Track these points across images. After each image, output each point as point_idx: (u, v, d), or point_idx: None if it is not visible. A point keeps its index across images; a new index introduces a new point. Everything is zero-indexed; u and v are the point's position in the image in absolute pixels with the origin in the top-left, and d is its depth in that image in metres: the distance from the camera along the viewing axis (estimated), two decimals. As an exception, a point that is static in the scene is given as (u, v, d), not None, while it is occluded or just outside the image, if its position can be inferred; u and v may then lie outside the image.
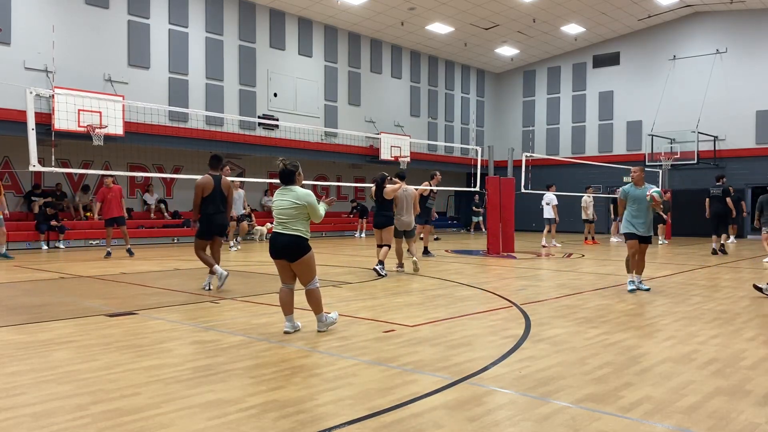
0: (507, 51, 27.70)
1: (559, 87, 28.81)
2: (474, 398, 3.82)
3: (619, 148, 26.79)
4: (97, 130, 15.56)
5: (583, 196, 19.93)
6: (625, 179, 25.47)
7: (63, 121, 14.83)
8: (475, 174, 17.31)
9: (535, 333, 5.72)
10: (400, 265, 11.15)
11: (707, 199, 16.15)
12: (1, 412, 3.51)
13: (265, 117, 20.82)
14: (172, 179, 20.19)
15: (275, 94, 21.69)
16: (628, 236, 8.72)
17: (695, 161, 23.14)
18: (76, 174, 18.41)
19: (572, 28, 25.27)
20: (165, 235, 18.80)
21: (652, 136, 24.35)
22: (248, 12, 20.98)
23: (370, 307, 7.24)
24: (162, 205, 19.92)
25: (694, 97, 24.39)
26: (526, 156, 17.03)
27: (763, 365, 4.64)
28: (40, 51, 16.24)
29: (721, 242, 15.56)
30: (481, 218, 25.31)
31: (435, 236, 15.13)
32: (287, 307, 5.72)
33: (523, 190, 16.83)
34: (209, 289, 8.39)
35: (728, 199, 15.28)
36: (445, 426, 3.34)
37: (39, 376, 4.23)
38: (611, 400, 3.79)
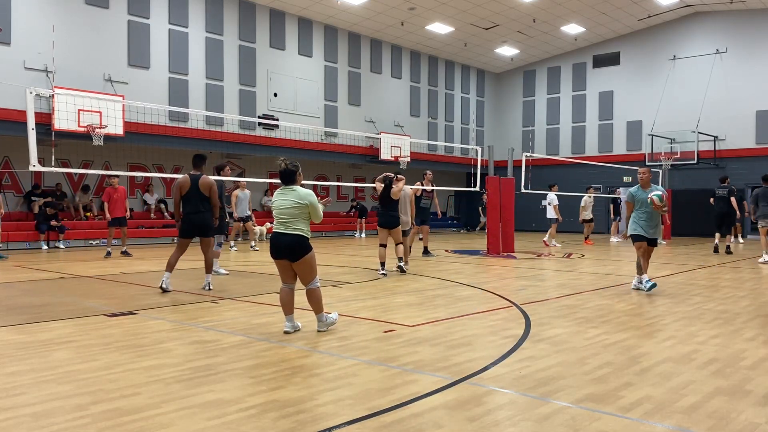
0: (507, 51, 27.70)
1: (559, 87, 28.81)
2: (474, 398, 3.82)
3: (619, 148, 26.79)
4: (97, 130, 15.56)
5: (584, 196, 19.91)
6: (625, 179, 25.55)
7: (63, 121, 14.83)
8: (475, 174, 17.30)
9: (535, 333, 5.72)
10: (382, 264, 11.15)
11: (712, 199, 16.18)
12: (1, 412, 3.51)
13: (265, 117, 20.81)
14: (172, 179, 20.16)
15: (275, 94, 21.69)
16: (636, 238, 8.58)
17: (695, 161, 23.14)
18: (76, 174, 18.41)
19: (572, 28, 25.26)
20: (165, 235, 18.80)
21: (652, 136, 24.35)
22: (248, 12, 20.98)
23: (370, 307, 7.24)
24: (162, 205, 19.92)
25: (694, 97, 24.38)
26: (526, 156, 17.02)
27: (763, 365, 4.64)
28: (40, 51, 16.24)
29: (727, 243, 15.74)
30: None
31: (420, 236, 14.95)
32: (287, 307, 5.72)
33: (523, 190, 16.83)
34: (209, 289, 8.39)
35: (733, 200, 15.41)
36: (445, 426, 3.34)
37: (39, 376, 4.23)
38: (611, 400, 3.79)
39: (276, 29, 21.74)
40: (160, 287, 8.17)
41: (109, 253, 13.85)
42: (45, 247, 16.21)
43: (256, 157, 20.94)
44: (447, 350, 5.02)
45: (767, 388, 4.06)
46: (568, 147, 28.32)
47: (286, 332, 5.64)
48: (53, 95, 14.69)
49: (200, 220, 8.32)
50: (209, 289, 8.38)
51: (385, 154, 23.47)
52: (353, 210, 24.43)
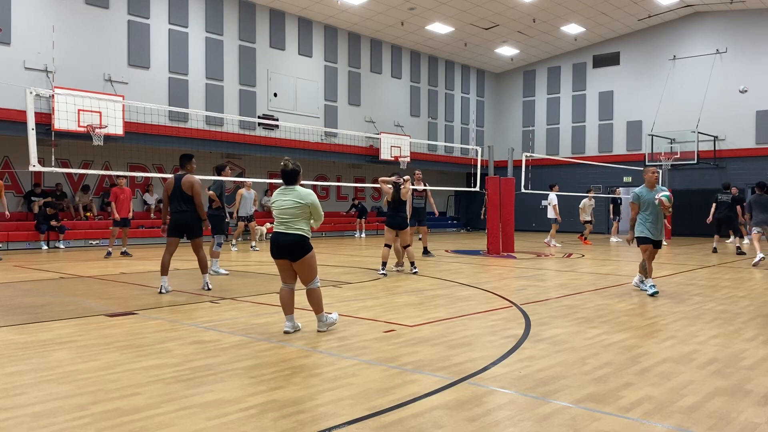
0: (507, 51, 27.70)
1: (559, 87, 28.81)
2: (474, 398, 3.82)
3: (619, 148, 26.79)
4: (97, 130, 15.57)
5: (584, 198, 19.93)
6: (625, 179, 25.54)
7: (63, 121, 14.83)
8: (475, 174, 17.31)
9: (535, 333, 5.72)
10: (400, 264, 11.19)
11: (714, 204, 16.22)
12: (1, 412, 3.51)
13: (265, 117, 20.82)
14: (172, 179, 20.14)
15: (275, 94, 21.69)
16: (642, 241, 8.30)
17: (695, 161, 23.14)
18: (76, 174, 18.41)
19: (572, 28, 25.26)
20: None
21: (652, 136, 24.35)
22: (248, 12, 20.98)
23: (370, 307, 7.24)
24: (162, 205, 19.91)
25: (694, 97, 24.38)
26: (526, 156, 17.03)
27: (763, 365, 4.64)
28: (40, 51, 16.24)
29: (736, 245, 16.15)
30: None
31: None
32: (288, 307, 5.72)
33: (523, 190, 16.83)
34: (208, 289, 8.39)
35: (738, 207, 15.78)
36: (445, 426, 3.34)
37: (39, 376, 4.23)
38: (611, 400, 3.79)
39: (276, 29, 21.74)
40: (160, 293, 8.15)
41: (109, 253, 13.85)
42: (45, 247, 16.21)
43: (256, 157, 20.94)
44: (447, 350, 5.02)
45: (767, 388, 4.06)
46: (568, 147, 28.32)
47: (286, 332, 5.64)
48: (53, 95, 14.69)
49: (182, 219, 8.27)
50: (208, 289, 8.37)
51: (385, 154, 23.47)
52: (353, 209, 24.43)
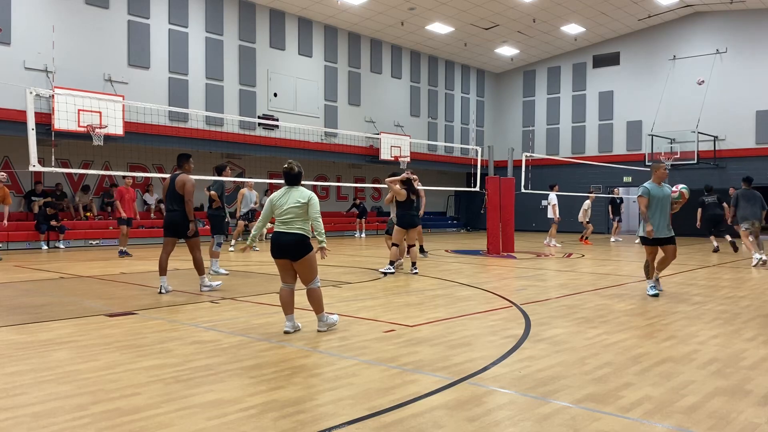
0: (507, 51, 27.70)
1: (559, 87, 28.81)
2: (474, 398, 3.82)
3: (619, 148, 26.79)
4: (97, 130, 15.57)
5: (586, 199, 19.94)
6: (625, 179, 25.54)
7: (63, 121, 14.83)
8: (475, 174, 17.31)
9: (535, 333, 5.72)
10: (391, 263, 11.19)
11: (700, 209, 16.32)
12: (1, 412, 3.51)
13: (265, 117, 20.82)
14: (171, 179, 20.15)
15: (275, 94, 21.69)
16: (644, 241, 8.08)
17: (695, 161, 23.14)
18: (76, 174, 18.41)
19: (572, 28, 25.26)
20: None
21: (652, 136, 24.35)
22: (248, 12, 20.98)
23: (370, 307, 7.24)
24: (162, 205, 19.91)
25: (694, 97, 24.37)
26: (526, 156, 17.03)
27: (763, 365, 4.64)
28: (40, 51, 16.24)
29: (731, 240, 15.91)
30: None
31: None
32: (288, 307, 5.72)
33: (523, 190, 16.84)
34: (210, 289, 8.38)
35: (725, 205, 15.82)
36: (445, 426, 3.34)
37: (39, 376, 4.23)
38: (611, 400, 3.79)
39: (276, 29, 21.74)
40: (160, 293, 8.15)
41: (123, 252, 13.86)
42: (45, 247, 16.21)
43: (256, 157, 20.94)
44: (447, 350, 5.02)
45: (767, 388, 4.05)
46: (568, 147, 28.32)
47: (286, 332, 5.64)
48: (53, 95, 14.69)
49: (171, 218, 8.24)
50: (210, 289, 8.34)
51: (385, 154, 23.48)
52: (354, 209, 24.42)
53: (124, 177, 14.26)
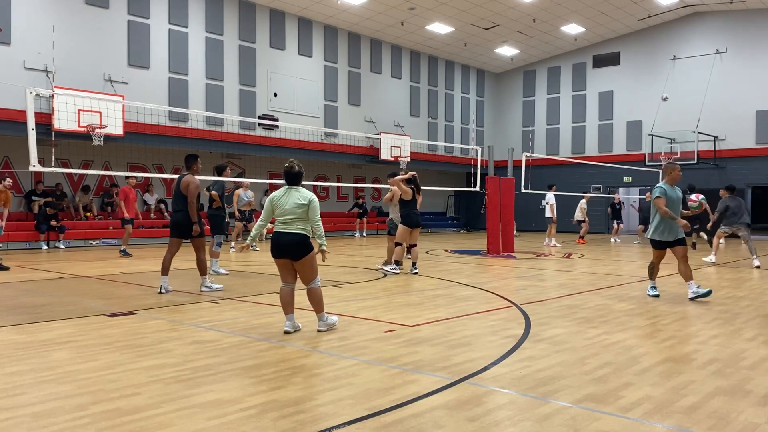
0: (507, 51, 27.70)
1: (559, 87, 28.81)
2: (474, 398, 3.82)
3: (619, 148, 26.79)
4: (97, 130, 15.56)
5: (582, 198, 20.09)
6: (625, 179, 25.54)
7: (63, 121, 14.83)
8: (475, 174, 17.31)
9: (535, 333, 5.72)
10: (397, 263, 11.19)
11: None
12: (1, 412, 3.51)
13: (265, 117, 20.82)
14: (172, 179, 20.14)
15: (275, 94, 21.68)
16: (655, 244, 7.92)
17: (695, 161, 23.14)
18: (76, 174, 18.41)
19: (572, 28, 25.26)
20: (165, 236, 18.76)
21: (652, 136, 24.35)
22: (248, 12, 20.98)
23: (370, 307, 7.24)
24: (162, 205, 19.92)
25: (694, 97, 24.37)
26: (526, 156, 17.03)
27: (763, 365, 4.64)
28: (40, 51, 16.24)
29: (693, 241, 17.55)
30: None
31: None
32: (288, 307, 5.72)
33: (523, 190, 16.84)
34: (211, 289, 8.36)
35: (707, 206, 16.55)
36: (445, 426, 3.34)
37: (39, 376, 4.23)
38: (611, 400, 3.79)
39: (276, 29, 21.74)
40: (160, 293, 8.15)
41: (124, 252, 13.85)
42: (45, 247, 16.21)
43: (256, 158, 20.94)
44: (447, 350, 5.02)
45: (767, 388, 4.06)
46: (568, 147, 28.32)
47: (286, 332, 5.64)
48: (53, 95, 14.69)
49: (176, 219, 8.30)
50: (210, 290, 8.33)
51: (385, 154, 23.47)
52: (355, 208, 24.38)
53: (127, 177, 14.24)
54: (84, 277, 9.99)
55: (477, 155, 17.72)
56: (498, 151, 19.69)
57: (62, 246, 16.46)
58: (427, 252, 15.61)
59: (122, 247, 14.10)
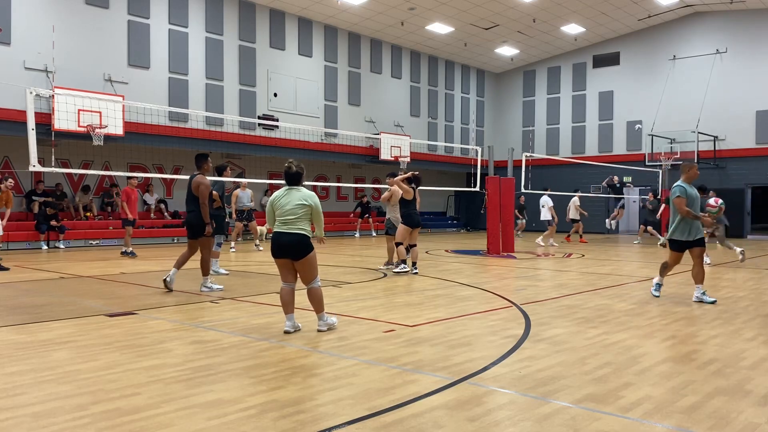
0: (507, 51, 27.70)
1: (559, 87, 28.81)
2: (474, 398, 3.82)
3: (619, 148, 26.79)
4: (97, 130, 15.56)
5: (574, 196, 20.24)
6: (625, 179, 25.53)
7: (63, 121, 14.83)
8: (475, 174, 17.31)
9: (535, 333, 5.72)
10: (390, 263, 11.19)
11: (663, 206, 18.09)
12: (1, 412, 3.51)
13: (265, 117, 20.82)
14: (172, 179, 20.19)
15: (275, 94, 21.68)
16: (674, 245, 7.67)
17: (695, 161, 23.11)
18: (76, 174, 18.41)
19: (572, 28, 25.26)
20: (165, 235, 18.81)
21: (652, 136, 24.35)
22: (248, 12, 20.98)
23: (370, 307, 7.24)
24: (162, 205, 19.92)
25: (694, 97, 24.38)
26: (526, 156, 17.03)
27: (763, 365, 4.64)
28: (40, 51, 16.24)
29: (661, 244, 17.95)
30: (524, 220, 21.67)
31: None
32: (288, 306, 5.72)
33: (523, 190, 16.84)
34: (211, 290, 8.35)
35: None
36: (445, 426, 3.34)
37: (39, 376, 4.23)
38: (611, 400, 3.79)
39: (276, 29, 21.74)
40: (164, 280, 8.20)
41: (132, 252, 13.82)
42: (45, 247, 16.21)
43: (256, 158, 20.94)
44: (447, 350, 5.02)
45: (767, 388, 4.06)
46: (568, 147, 28.32)
47: (286, 332, 5.64)
48: (53, 95, 14.69)
49: (188, 219, 8.36)
50: (210, 291, 8.32)
51: (385, 154, 23.47)
52: (358, 208, 24.34)
53: (128, 178, 14.21)
54: (84, 277, 9.98)
55: (477, 155, 17.72)
56: (498, 151, 19.69)
57: (62, 246, 16.46)
58: (427, 252, 15.62)
59: (129, 249, 14.03)
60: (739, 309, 7.16)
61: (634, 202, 26.28)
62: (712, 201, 8.57)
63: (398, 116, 26.14)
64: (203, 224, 8.23)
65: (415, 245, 10.99)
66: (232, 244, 16.10)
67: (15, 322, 6.12)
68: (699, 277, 7.67)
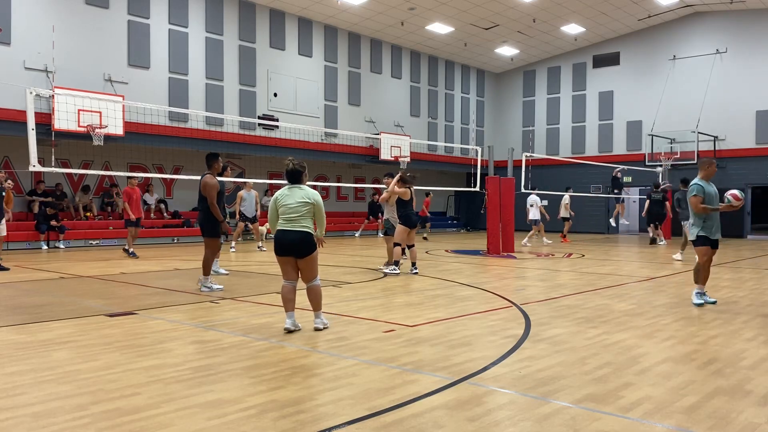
0: (507, 51, 27.70)
1: (559, 87, 28.81)
2: (474, 398, 3.82)
3: (619, 148, 26.79)
4: (97, 130, 15.56)
5: (564, 195, 20.25)
6: (625, 179, 25.51)
7: (63, 121, 14.83)
8: (475, 174, 17.31)
9: (535, 333, 5.72)
10: (396, 263, 11.18)
11: (647, 202, 18.52)
12: (1, 412, 3.51)
13: (265, 117, 20.82)
14: (172, 179, 20.19)
15: (275, 94, 21.68)
16: (701, 241, 7.37)
17: (695, 161, 23.13)
18: (76, 174, 18.41)
19: (572, 28, 25.26)
20: (165, 235, 18.81)
21: (652, 136, 24.35)
22: (248, 12, 20.98)
23: (370, 307, 7.24)
24: (162, 205, 19.91)
25: (694, 97, 24.38)
26: (526, 156, 17.03)
27: (763, 365, 4.64)
28: (40, 51, 16.24)
29: (653, 236, 18.62)
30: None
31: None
32: (289, 304, 5.74)
33: (523, 190, 16.84)
34: (211, 290, 8.35)
35: (667, 203, 18.10)
36: (445, 426, 3.34)
37: (39, 376, 4.23)
38: (611, 400, 3.79)
39: (276, 29, 21.74)
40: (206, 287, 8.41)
41: (132, 254, 13.80)
42: (45, 247, 16.21)
43: (256, 158, 20.94)
44: (447, 350, 5.02)
45: (767, 388, 4.06)
46: (568, 147, 28.32)
47: (286, 329, 5.64)
48: (53, 95, 14.69)
49: (198, 219, 8.58)
50: (210, 290, 8.32)
51: (385, 154, 23.47)
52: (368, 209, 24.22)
53: (129, 178, 14.19)
54: (84, 277, 9.99)
55: (477, 155, 17.72)
56: (498, 151, 19.70)
57: (62, 246, 16.46)
58: (427, 252, 15.63)
59: (130, 249, 14.01)
60: (739, 309, 7.16)
61: (634, 202, 26.25)
62: (730, 193, 8.00)
63: (398, 116, 26.14)
64: (209, 223, 8.33)
65: (413, 245, 11.00)
66: (233, 244, 16.10)
67: (15, 322, 6.12)
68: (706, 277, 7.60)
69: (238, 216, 15.76)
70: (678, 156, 23.70)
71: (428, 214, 22.48)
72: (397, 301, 7.67)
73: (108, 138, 15.94)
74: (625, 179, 25.45)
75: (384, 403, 3.70)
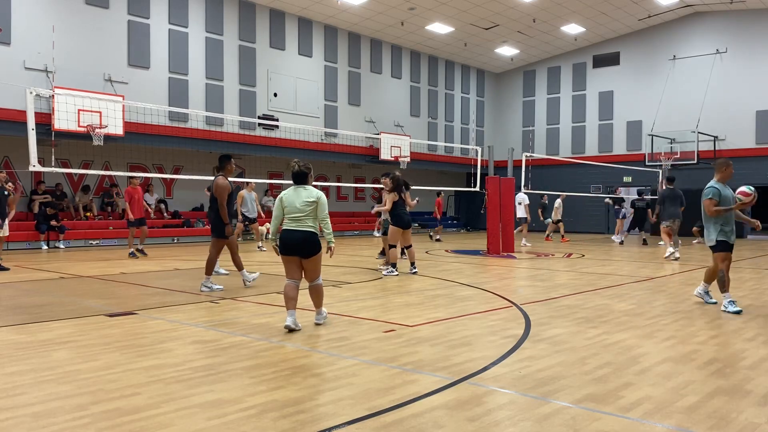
0: (507, 51, 27.70)
1: (559, 87, 28.81)
2: (474, 398, 3.82)
3: (619, 148, 26.79)
4: (97, 130, 15.56)
5: (557, 198, 20.39)
6: (624, 179, 25.52)
7: (63, 121, 14.83)
8: (475, 174, 17.31)
9: (535, 333, 5.72)
10: (393, 265, 11.16)
11: (632, 209, 19.39)
12: (1, 412, 3.51)
13: (265, 117, 20.81)
14: (172, 179, 20.19)
15: (275, 94, 21.68)
16: (722, 246, 7.04)
17: (695, 161, 23.14)
18: (76, 174, 18.41)
19: (572, 28, 25.26)
20: (165, 235, 18.80)
21: (652, 136, 24.34)
22: (248, 12, 20.98)
23: (370, 307, 7.24)
24: (162, 205, 19.91)
25: (694, 97, 24.38)
26: (526, 156, 17.03)
27: (763, 365, 4.64)
28: (40, 51, 16.24)
29: (643, 237, 19.21)
30: (550, 219, 21.22)
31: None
32: (291, 302, 5.77)
33: (523, 190, 16.84)
34: (210, 290, 8.34)
35: (649, 211, 18.39)
36: (445, 426, 3.34)
37: (39, 376, 4.23)
38: (611, 400, 3.79)
39: (276, 29, 21.74)
40: (245, 282, 8.72)
41: (133, 253, 13.79)
42: (45, 247, 16.21)
43: (256, 157, 20.92)
44: (447, 350, 5.02)
45: (767, 388, 4.06)
46: (568, 147, 28.32)
47: (286, 326, 5.65)
48: (53, 95, 14.69)
49: (209, 218, 8.74)
50: (209, 290, 8.31)
51: (385, 154, 23.47)
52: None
53: (130, 179, 14.18)
54: (84, 277, 9.98)
55: (477, 155, 17.73)
56: (498, 151, 19.70)
57: (62, 246, 16.46)
58: (427, 252, 15.63)
59: (132, 249, 13.99)
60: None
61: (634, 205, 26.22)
62: (740, 190, 7.53)
63: (398, 116, 26.14)
64: (217, 224, 8.45)
65: (410, 246, 10.92)
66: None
67: (15, 322, 6.12)
68: (711, 277, 7.44)
69: (239, 217, 15.74)
70: (678, 156, 23.68)
71: (439, 216, 21.56)
72: (397, 301, 7.67)
73: (108, 138, 15.94)
74: (625, 179, 25.47)
75: (384, 403, 3.70)
